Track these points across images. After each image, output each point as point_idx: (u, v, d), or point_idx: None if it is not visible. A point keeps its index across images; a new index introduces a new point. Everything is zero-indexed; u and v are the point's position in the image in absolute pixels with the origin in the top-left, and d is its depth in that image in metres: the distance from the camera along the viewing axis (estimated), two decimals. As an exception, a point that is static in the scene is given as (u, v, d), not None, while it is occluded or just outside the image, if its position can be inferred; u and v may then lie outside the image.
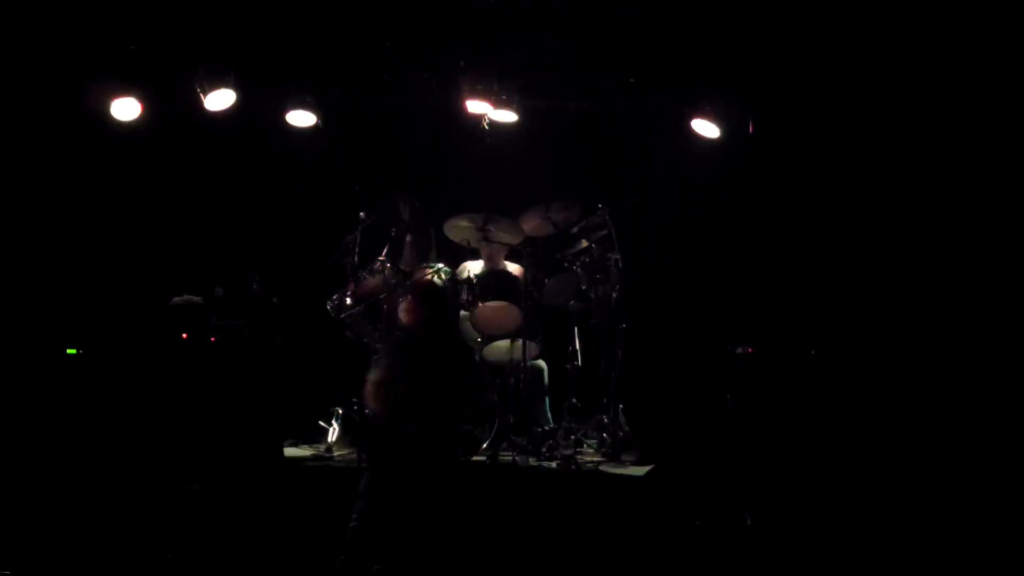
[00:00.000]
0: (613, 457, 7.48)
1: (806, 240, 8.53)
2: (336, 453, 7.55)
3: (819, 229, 8.50)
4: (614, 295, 7.80)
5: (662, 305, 8.85)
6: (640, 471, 7.16)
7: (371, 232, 7.89)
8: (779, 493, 6.78)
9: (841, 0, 7.59)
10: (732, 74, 8.20)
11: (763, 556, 6.43)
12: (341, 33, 8.11)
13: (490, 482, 6.97)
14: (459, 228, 7.93)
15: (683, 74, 8.35)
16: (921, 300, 8.01)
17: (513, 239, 7.90)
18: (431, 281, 6.62)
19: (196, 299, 7.62)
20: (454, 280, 7.60)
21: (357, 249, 7.78)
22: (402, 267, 7.76)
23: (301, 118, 8.48)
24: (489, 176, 8.95)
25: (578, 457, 7.37)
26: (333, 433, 7.69)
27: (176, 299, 7.60)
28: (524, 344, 7.56)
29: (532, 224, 7.97)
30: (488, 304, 7.63)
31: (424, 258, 7.90)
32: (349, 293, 7.59)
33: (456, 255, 8.21)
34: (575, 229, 8.01)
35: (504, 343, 7.82)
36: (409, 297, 6.56)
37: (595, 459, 7.48)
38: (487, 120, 8.25)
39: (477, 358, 7.81)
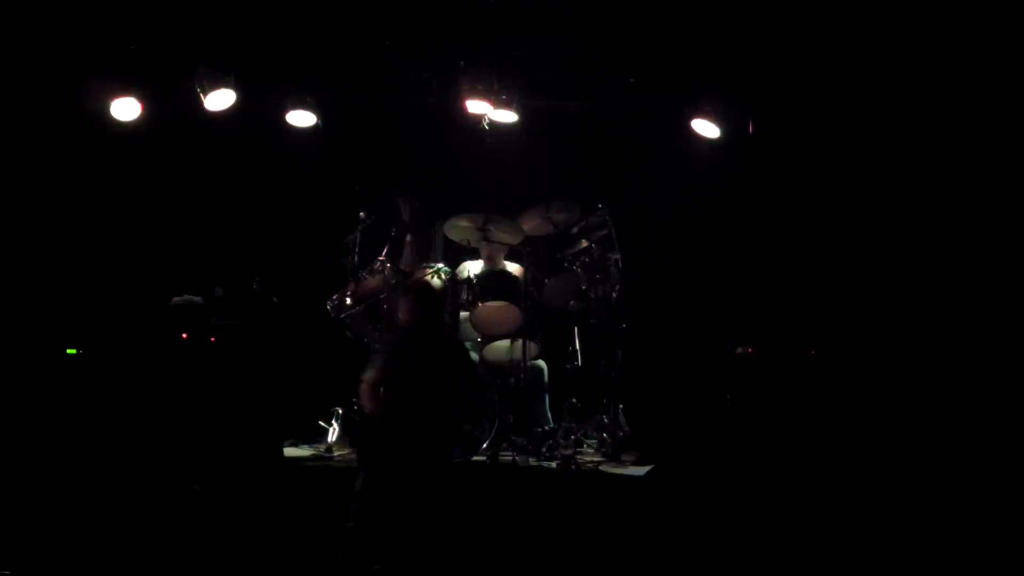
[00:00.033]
0: (613, 457, 7.48)
1: (806, 240, 8.53)
2: (336, 453, 7.55)
3: (819, 229, 8.50)
4: (614, 295, 7.80)
5: (662, 305, 8.84)
6: (640, 471, 7.15)
7: (371, 232, 7.89)
8: (779, 493, 6.77)
9: (841, 0, 7.59)
10: (732, 74, 8.20)
11: (763, 556, 6.43)
12: (341, 33, 8.11)
13: (490, 482, 6.97)
14: (459, 228, 7.93)
15: (683, 74, 8.35)
16: (921, 300, 8.01)
17: (513, 239, 7.90)
18: (425, 280, 6.62)
19: (196, 299, 7.63)
20: (454, 280, 7.62)
21: (357, 249, 7.79)
22: (402, 267, 7.77)
23: (301, 118, 8.48)
24: (489, 176, 8.95)
25: (578, 457, 7.37)
26: (333, 433, 7.69)
27: (176, 299, 7.60)
28: (524, 344, 7.56)
29: (532, 224, 7.97)
30: (488, 304, 7.62)
31: (424, 258, 7.92)
32: (349, 293, 7.60)
33: (456, 255, 8.22)
34: (575, 229, 8.01)
35: (504, 343, 7.81)
36: (404, 296, 6.57)
37: (595, 459, 7.48)
38: (487, 120, 8.25)
39: (477, 357, 7.83)
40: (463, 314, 7.74)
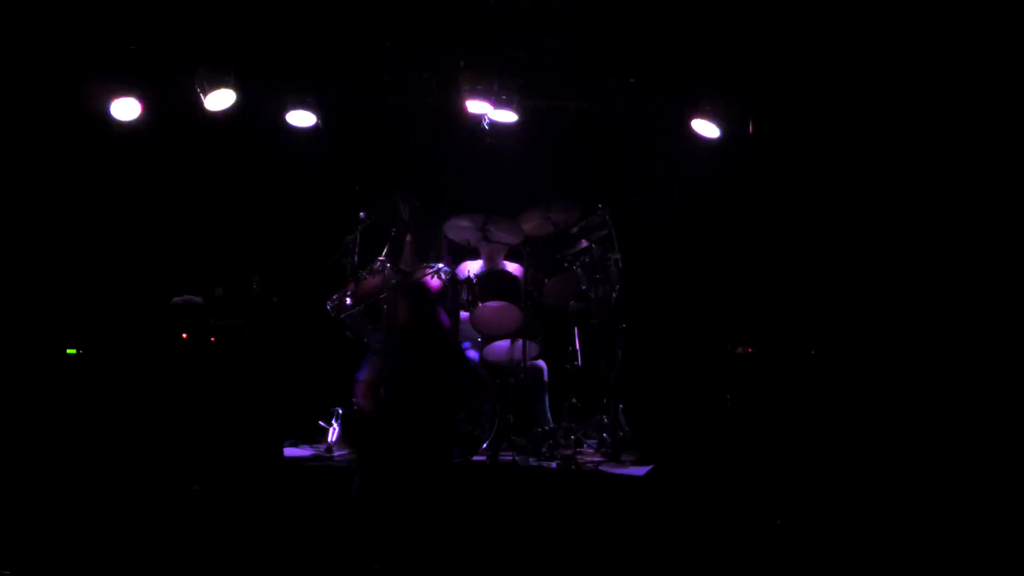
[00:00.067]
0: (613, 457, 7.48)
1: (806, 240, 8.53)
2: (336, 453, 7.55)
3: (819, 229, 8.50)
4: (614, 295, 7.80)
5: (662, 305, 8.84)
6: (640, 471, 7.15)
7: (371, 232, 7.89)
8: (779, 493, 6.77)
9: (841, 0, 7.59)
10: (732, 74, 8.20)
11: (763, 555, 6.43)
12: (341, 33, 8.11)
13: (490, 482, 6.97)
14: (459, 228, 7.92)
15: (683, 74, 8.34)
16: (921, 300, 8.01)
17: (513, 239, 7.90)
18: (420, 280, 6.63)
19: (196, 299, 7.62)
20: (454, 280, 7.62)
21: (357, 249, 7.79)
22: (402, 267, 7.77)
23: (301, 118, 8.49)
24: (489, 176, 8.95)
25: (578, 457, 7.37)
26: (333, 433, 7.69)
27: (176, 299, 7.60)
28: (524, 344, 7.56)
29: (532, 224, 7.96)
30: (488, 304, 7.62)
31: (425, 258, 7.91)
32: (349, 293, 7.59)
33: (457, 255, 8.23)
34: (575, 229, 8.01)
35: (504, 343, 7.81)
36: (399, 296, 6.57)
37: (595, 459, 7.48)
38: (487, 120, 8.25)
39: (477, 357, 7.83)
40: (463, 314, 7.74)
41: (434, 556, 6.04)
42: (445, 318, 7.55)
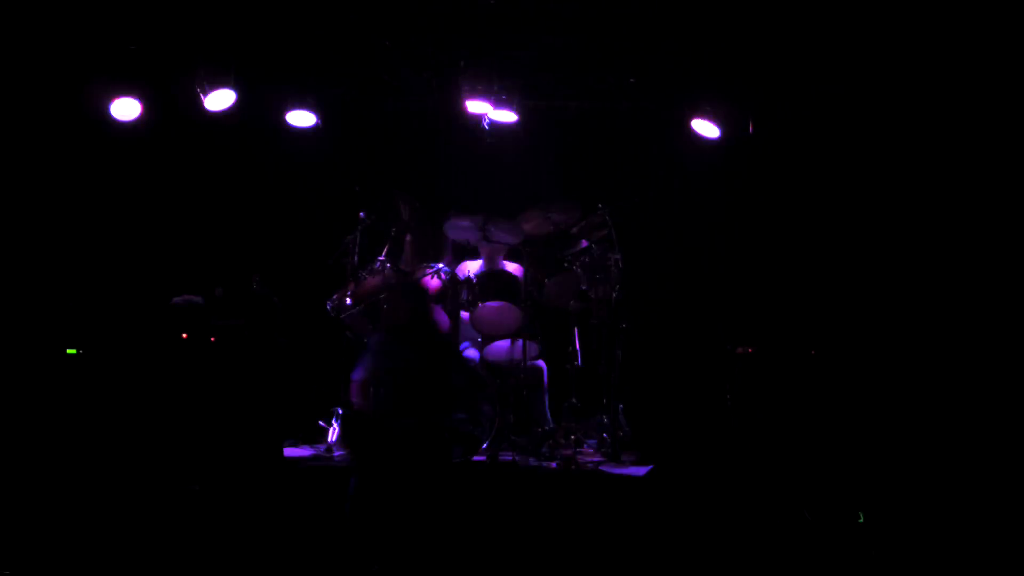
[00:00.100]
0: (613, 457, 7.47)
1: (806, 240, 8.53)
2: (336, 453, 7.54)
3: (819, 229, 8.50)
4: (614, 295, 7.80)
5: (662, 305, 8.84)
6: (640, 471, 7.15)
7: (371, 232, 7.90)
8: (779, 493, 6.78)
9: (841, 0, 7.59)
10: (732, 74, 8.20)
11: (763, 555, 6.43)
12: (341, 33, 8.11)
13: (490, 482, 6.97)
14: (459, 228, 7.92)
15: (683, 74, 8.34)
16: (921, 300, 8.01)
17: (513, 239, 7.90)
18: (413, 279, 6.63)
19: (196, 299, 7.62)
20: (454, 280, 7.62)
21: (357, 249, 7.79)
22: (402, 267, 7.77)
23: (301, 118, 8.49)
24: (489, 176, 8.95)
25: (578, 457, 7.36)
26: (333, 433, 7.69)
27: (176, 299, 7.60)
28: (524, 344, 7.56)
29: (532, 224, 7.96)
30: (488, 304, 7.63)
31: (425, 258, 7.91)
32: (349, 293, 7.60)
33: (457, 255, 8.23)
34: (575, 229, 8.01)
35: (504, 343, 7.82)
36: (393, 295, 6.58)
37: (595, 459, 7.48)
38: (487, 120, 8.25)
39: (477, 357, 7.83)
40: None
41: (434, 556, 6.04)
42: (443, 318, 7.55)
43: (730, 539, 6.51)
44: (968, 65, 7.73)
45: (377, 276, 7.56)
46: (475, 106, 8.13)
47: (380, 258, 7.68)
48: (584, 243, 7.94)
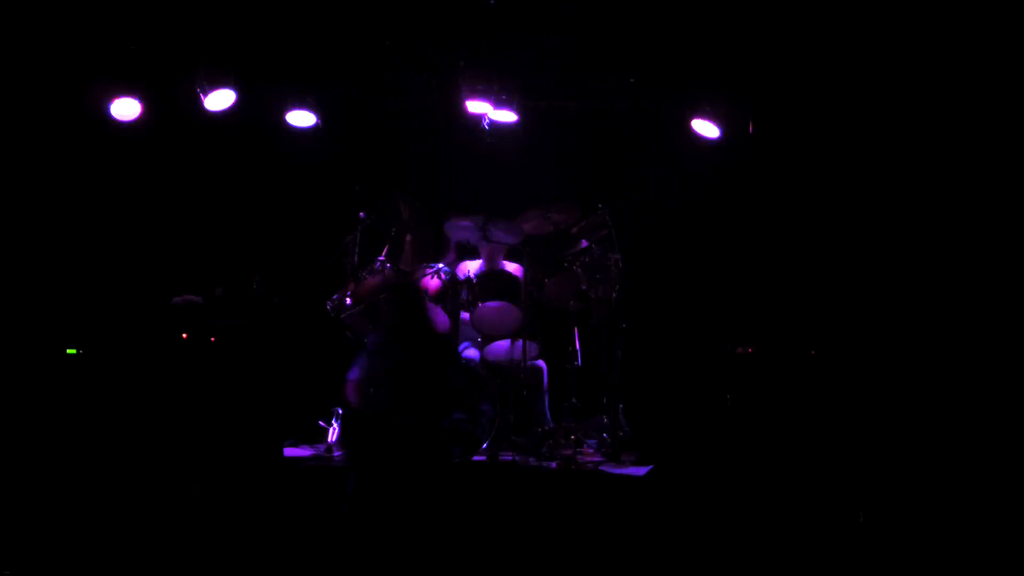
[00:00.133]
0: (613, 457, 7.47)
1: (806, 240, 8.53)
2: (336, 453, 7.54)
3: (819, 229, 8.50)
4: (614, 295, 7.80)
5: (662, 305, 8.84)
6: (640, 471, 7.15)
7: (371, 232, 7.90)
8: (779, 493, 6.78)
9: (840, 0, 7.60)
10: (732, 74, 8.20)
11: (763, 555, 6.43)
12: (341, 33, 8.11)
13: (490, 482, 6.97)
14: (459, 228, 7.93)
15: (683, 74, 8.34)
16: (921, 300, 8.01)
17: (513, 239, 7.90)
18: (404, 279, 6.62)
19: (196, 299, 7.62)
20: (454, 280, 7.63)
21: (357, 249, 7.79)
22: (402, 267, 7.77)
23: (301, 118, 8.49)
24: (489, 176, 8.95)
25: (578, 457, 7.36)
26: (333, 433, 7.69)
27: (176, 299, 7.60)
28: (524, 344, 7.56)
29: (532, 224, 7.96)
30: (488, 304, 7.63)
31: (424, 258, 7.92)
32: (349, 293, 7.60)
33: (460, 255, 8.23)
34: (575, 229, 8.01)
35: (504, 343, 7.81)
36: (386, 295, 6.59)
37: (595, 459, 7.48)
38: (487, 120, 8.25)
39: (478, 357, 7.83)
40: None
41: (433, 555, 6.03)
42: (443, 318, 7.55)
43: (730, 539, 6.50)
44: (968, 65, 7.73)
45: (377, 276, 7.56)
46: (475, 106, 8.13)
47: (380, 258, 7.68)
48: (584, 243, 7.94)
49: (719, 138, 8.29)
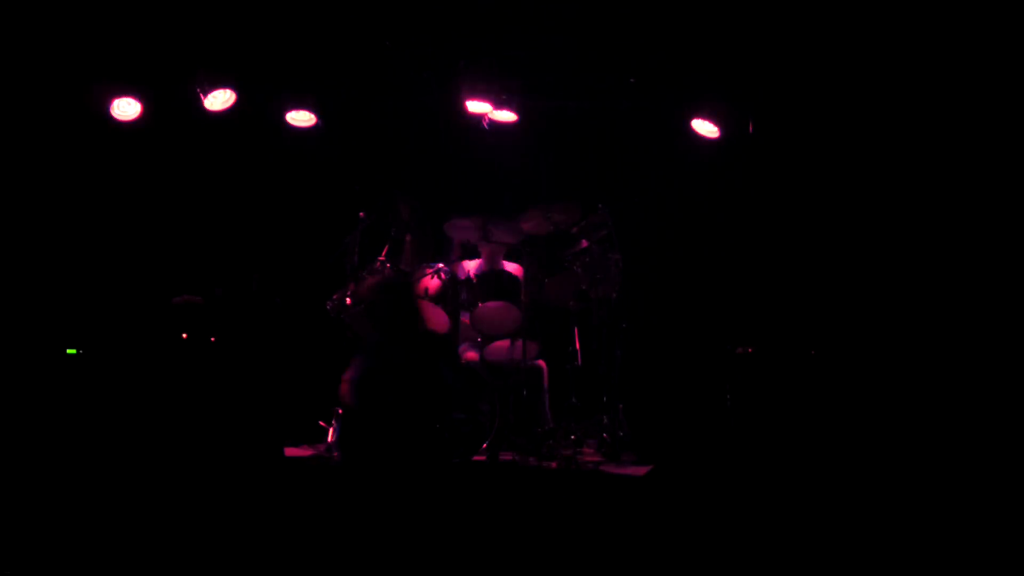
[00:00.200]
0: (613, 457, 7.47)
1: (806, 240, 8.53)
2: (336, 453, 7.54)
3: (819, 229, 8.50)
4: (614, 295, 7.80)
5: (662, 305, 8.84)
6: (640, 471, 7.15)
7: (371, 232, 7.90)
8: (779, 493, 6.78)
9: (840, 0, 7.60)
10: (732, 74, 8.20)
11: (763, 556, 6.43)
12: (341, 33, 8.11)
13: (490, 482, 6.97)
14: (459, 228, 7.93)
15: (683, 74, 8.34)
16: (921, 300, 8.01)
17: (513, 239, 7.90)
18: (400, 278, 6.62)
19: (196, 299, 7.63)
20: (454, 280, 7.63)
21: (357, 249, 7.79)
22: (402, 267, 7.77)
23: (301, 118, 8.49)
24: (489, 176, 8.95)
25: (578, 457, 7.36)
26: (333, 433, 7.68)
27: (176, 299, 7.60)
28: (524, 344, 7.56)
29: (532, 224, 7.96)
30: (488, 304, 7.63)
31: (424, 258, 7.92)
32: (349, 293, 7.60)
33: (464, 254, 8.24)
34: (575, 229, 8.01)
35: (504, 343, 7.81)
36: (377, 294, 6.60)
37: (595, 459, 7.48)
38: (487, 120, 8.25)
39: (478, 357, 7.83)
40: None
41: (432, 555, 6.04)
42: (442, 317, 7.55)
43: (730, 539, 6.50)
44: (967, 64, 7.74)
45: (377, 276, 7.56)
46: (475, 106, 8.13)
47: (380, 258, 7.68)
48: (584, 243, 7.94)
49: (719, 138, 8.29)
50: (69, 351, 7.43)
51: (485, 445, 7.31)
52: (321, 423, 7.80)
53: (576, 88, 8.79)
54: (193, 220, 8.91)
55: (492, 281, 7.79)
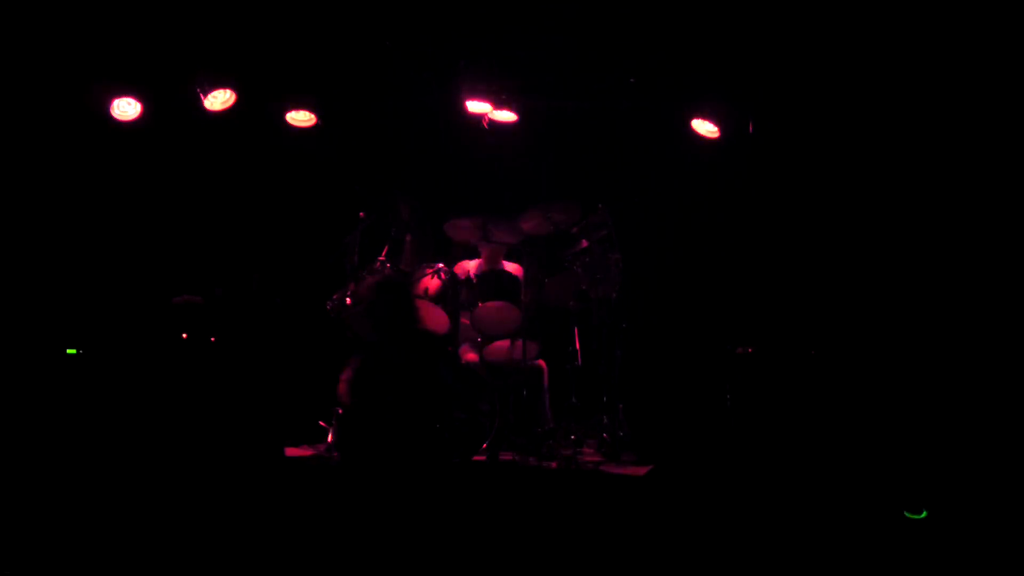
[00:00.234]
0: (613, 457, 7.48)
1: (806, 240, 8.53)
2: (336, 453, 7.54)
3: (819, 229, 8.50)
4: (614, 295, 7.80)
5: (662, 305, 8.84)
6: (640, 471, 7.15)
7: (371, 232, 7.90)
8: (779, 493, 6.78)
9: (840, 1, 7.60)
10: (732, 74, 8.20)
11: (763, 556, 6.43)
12: (341, 33, 8.11)
13: (490, 482, 6.97)
14: (459, 228, 7.93)
15: (683, 74, 8.34)
16: (921, 299, 8.01)
17: (513, 239, 7.90)
18: (399, 278, 6.63)
19: (196, 299, 7.63)
20: (454, 280, 7.63)
21: (357, 249, 7.79)
22: (402, 267, 7.77)
23: (301, 118, 8.49)
24: (489, 176, 8.96)
25: (578, 457, 7.36)
26: (333, 433, 7.68)
27: (176, 299, 7.61)
28: (524, 344, 7.56)
29: (532, 224, 7.96)
30: (488, 304, 7.63)
31: (424, 258, 7.92)
32: (349, 293, 7.60)
33: (466, 254, 8.24)
34: (575, 229, 8.01)
35: (504, 343, 7.82)
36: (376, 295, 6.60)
37: (595, 459, 7.48)
38: (487, 120, 8.25)
39: (478, 357, 7.83)
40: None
41: (432, 555, 6.04)
42: (442, 318, 7.55)
43: (730, 539, 6.50)
44: (968, 64, 7.74)
45: (377, 276, 7.56)
46: (475, 106, 8.14)
47: (380, 258, 7.68)
48: (584, 243, 7.94)
49: (719, 138, 8.29)
50: (69, 351, 7.42)
51: (485, 445, 7.31)
52: (321, 423, 7.80)
53: (576, 88, 8.79)
54: (193, 220, 8.91)
55: (492, 281, 7.79)
